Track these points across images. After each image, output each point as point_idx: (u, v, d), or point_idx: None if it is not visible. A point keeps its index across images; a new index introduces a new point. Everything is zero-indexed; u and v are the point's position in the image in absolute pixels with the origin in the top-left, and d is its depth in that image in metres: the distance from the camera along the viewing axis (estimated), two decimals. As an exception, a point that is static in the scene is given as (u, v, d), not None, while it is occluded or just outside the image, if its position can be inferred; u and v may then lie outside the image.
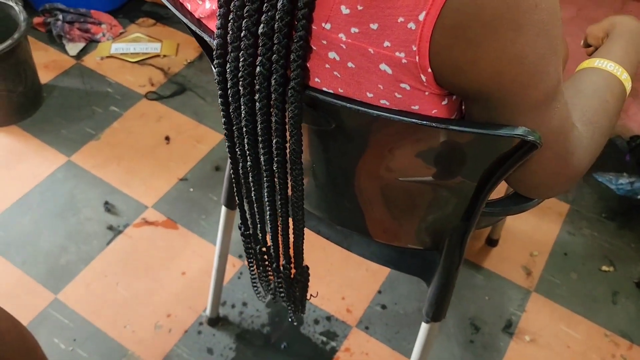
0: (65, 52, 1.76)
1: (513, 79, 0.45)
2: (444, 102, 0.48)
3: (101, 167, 1.48)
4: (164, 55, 1.76)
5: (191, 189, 1.44)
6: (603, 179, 1.47)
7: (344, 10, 0.43)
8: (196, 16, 0.56)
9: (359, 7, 0.42)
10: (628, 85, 0.69)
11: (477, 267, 1.31)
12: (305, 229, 0.66)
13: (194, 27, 0.54)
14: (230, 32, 0.48)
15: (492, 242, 1.34)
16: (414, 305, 1.24)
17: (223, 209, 1.00)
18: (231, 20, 0.48)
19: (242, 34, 0.47)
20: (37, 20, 1.82)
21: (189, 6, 0.57)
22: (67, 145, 1.53)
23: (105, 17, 1.84)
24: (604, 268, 1.31)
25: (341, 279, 1.28)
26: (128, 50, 1.76)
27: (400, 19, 0.41)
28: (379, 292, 1.26)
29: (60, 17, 1.78)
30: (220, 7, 0.48)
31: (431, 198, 0.66)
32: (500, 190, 0.77)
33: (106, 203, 1.39)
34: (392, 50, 0.43)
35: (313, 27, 0.45)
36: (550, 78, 0.47)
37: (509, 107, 0.48)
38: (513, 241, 1.35)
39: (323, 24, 0.44)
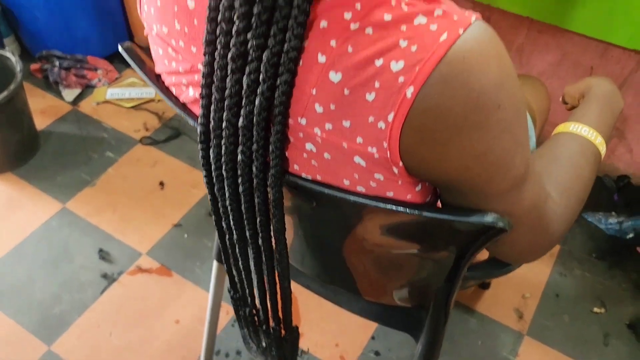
0: (62, 98, 1.80)
1: (479, 173, 0.47)
2: (417, 188, 0.50)
3: (96, 215, 1.49)
4: (159, 100, 1.79)
5: (185, 235, 1.45)
6: (593, 218, 1.48)
7: (318, 108, 0.45)
8: (181, 100, 0.58)
9: (332, 107, 0.44)
10: (602, 149, 0.71)
11: (470, 310, 1.31)
12: (296, 284, 0.67)
13: (178, 110, 0.57)
14: (212, 122, 0.51)
15: (484, 285, 1.35)
16: (407, 352, 1.24)
17: (215, 262, 1.01)
18: (212, 112, 0.50)
19: (223, 125, 0.50)
20: (34, 66, 1.86)
21: (173, 90, 0.59)
22: (63, 192, 1.55)
23: (101, 62, 1.88)
24: (595, 310, 1.31)
25: (334, 325, 1.28)
26: (123, 96, 1.79)
27: (371, 119, 0.44)
28: (373, 338, 1.26)
29: (57, 63, 1.82)
30: (202, 97, 0.51)
31: (413, 264, 0.68)
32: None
33: (100, 250, 1.41)
34: (365, 146, 0.45)
35: (290, 121, 0.47)
36: (516, 168, 0.49)
37: (479, 195, 0.49)
38: (505, 283, 1.36)
39: (299, 119, 0.47)
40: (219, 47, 0.47)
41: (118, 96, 1.79)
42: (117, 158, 1.64)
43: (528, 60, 1.51)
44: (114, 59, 1.94)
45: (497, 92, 0.43)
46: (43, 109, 1.77)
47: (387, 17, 0.42)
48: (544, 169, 0.65)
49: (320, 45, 0.43)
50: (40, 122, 1.72)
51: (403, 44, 0.42)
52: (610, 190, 1.55)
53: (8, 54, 1.54)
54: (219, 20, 0.46)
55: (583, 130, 0.71)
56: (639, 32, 1.23)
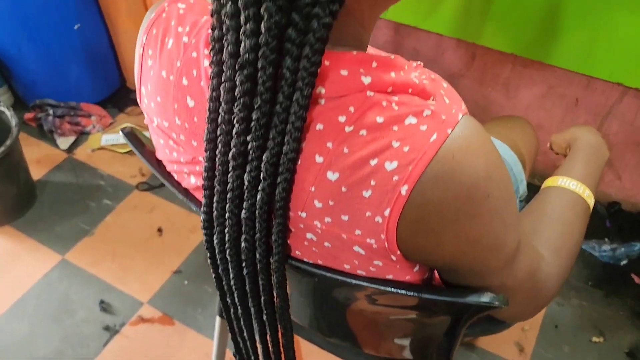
0: (57, 146, 1.81)
1: (474, 256, 0.49)
2: (415, 269, 0.52)
3: (96, 264, 1.50)
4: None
5: (185, 282, 1.46)
6: (586, 246, 1.50)
7: (317, 204, 0.47)
8: (183, 186, 0.60)
9: (330, 202, 0.46)
10: (591, 202, 0.74)
11: (470, 346, 1.32)
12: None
13: (181, 196, 0.58)
14: (216, 212, 0.52)
15: (483, 318, 1.36)
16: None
17: (217, 318, 1.02)
18: (215, 202, 0.52)
19: (226, 215, 0.51)
20: (28, 115, 1.87)
21: (175, 176, 0.61)
22: (62, 242, 1.55)
23: (95, 108, 1.90)
24: (594, 339, 1.33)
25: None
26: (118, 141, 1.81)
27: (368, 213, 0.46)
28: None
29: (51, 112, 1.84)
30: (204, 188, 0.53)
31: (412, 325, 0.69)
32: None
33: (102, 302, 1.41)
34: (363, 237, 0.47)
35: (290, 213, 0.49)
36: (508, 246, 0.51)
37: (475, 274, 0.52)
38: (504, 316, 1.37)
39: (299, 212, 0.49)
40: (219, 145, 0.49)
41: (113, 142, 1.81)
42: (114, 205, 1.65)
43: (515, 94, 1.54)
44: (107, 104, 1.96)
45: (486, 183, 0.45)
46: (38, 159, 1.78)
47: (380, 119, 0.44)
48: (536, 229, 0.67)
49: (317, 146, 0.45)
50: (36, 172, 1.73)
51: (396, 144, 0.44)
52: (602, 217, 1.57)
53: (3, 108, 1.55)
54: (219, 122, 0.48)
55: (571, 185, 0.73)
56: (620, 66, 1.27)
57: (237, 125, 0.46)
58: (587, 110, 1.46)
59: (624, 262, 1.45)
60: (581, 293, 1.42)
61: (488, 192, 0.46)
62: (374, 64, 0.47)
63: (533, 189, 0.97)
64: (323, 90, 0.45)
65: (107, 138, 1.82)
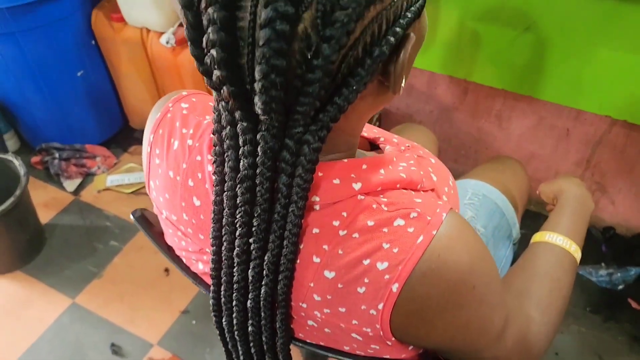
0: (64, 188, 1.86)
1: (464, 339, 0.53)
2: (410, 347, 0.56)
3: (105, 307, 1.54)
4: (158, 183, 1.86)
5: (193, 322, 1.50)
6: (584, 271, 1.54)
7: (316, 297, 0.51)
8: (192, 270, 0.64)
9: (328, 297, 0.51)
10: (578, 255, 0.78)
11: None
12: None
13: (191, 279, 0.63)
14: (223, 299, 0.57)
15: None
16: None
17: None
18: (223, 291, 0.56)
19: (233, 302, 0.56)
20: (34, 159, 1.92)
21: (184, 260, 0.65)
22: (71, 286, 1.59)
23: (99, 149, 1.95)
24: (595, 366, 1.36)
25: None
26: (122, 182, 1.86)
27: (363, 307, 0.50)
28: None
29: (57, 155, 1.89)
30: (212, 278, 0.57)
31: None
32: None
33: (112, 345, 1.45)
34: (360, 327, 0.51)
35: (292, 304, 0.53)
36: (496, 325, 0.55)
37: (467, 353, 0.56)
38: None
39: (300, 303, 0.53)
40: (225, 243, 0.53)
41: (117, 182, 1.86)
42: (121, 246, 1.69)
43: (508, 125, 1.59)
44: (111, 143, 2.01)
45: (470, 276, 0.49)
46: (46, 202, 1.83)
47: (370, 222, 0.49)
48: (525, 288, 0.71)
49: (314, 248, 0.50)
50: (45, 216, 1.77)
51: (386, 246, 0.48)
52: (598, 242, 1.61)
53: (11, 157, 1.60)
54: (223, 223, 0.52)
55: (558, 240, 0.77)
56: (607, 99, 1.31)
57: (239, 229, 0.50)
58: (578, 140, 1.51)
59: (621, 287, 1.49)
60: (580, 319, 1.46)
61: (473, 284, 0.50)
62: (364, 167, 0.52)
63: (529, 214, 1.01)
64: (317, 199, 0.50)
65: (112, 179, 1.87)
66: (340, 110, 0.44)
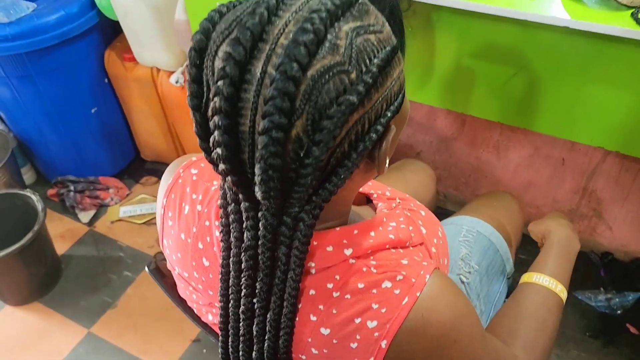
0: (78, 220, 1.93)
1: None
2: None
3: (120, 337, 1.59)
4: (168, 213, 1.92)
5: (204, 350, 1.55)
6: (583, 296, 1.58)
7: (314, 351, 0.57)
8: (202, 320, 0.70)
9: (325, 351, 0.56)
10: (564, 295, 0.83)
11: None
12: None
13: (201, 328, 0.68)
14: (231, 349, 0.62)
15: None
16: None
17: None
18: (230, 342, 0.62)
19: (239, 353, 0.61)
20: (50, 192, 2.00)
21: (195, 309, 0.71)
22: (87, 316, 1.65)
23: (112, 181, 2.02)
24: (595, 391, 1.40)
25: None
26: (135, 213, 1.93)
27: None
28: None
29: (72, 187, 1.96)
30: (220, 330, 0.63)
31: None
32: None
33: (127, 374, 1.51)
34: None
35: (293, 355, 0.59)
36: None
37: None
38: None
39: (300, 355, 0.58)
40: (231, 300, 0.59)
41: (130, 213, 1.93)
42: (134, 277, 1.75)
43: (505, 154, 1.64)
44: (124, 175, 2.08)
45: (452, 332, 0.55)
46: (62, 233, 1.90)
47: (361, 285, 0.54)
48: (512, 328, 0.76)
49: (311, 308, 0.55)
50: (60, 247, 1.84)
51: (375, 306, 0.54)
52: (596, 267, 1.65)
53: (29, 194, 1.67)
54: (229, 284, 0.58)
55: (544, 281, 0.82)
56: (599, 132, 1.36)
57: (244, 290, 0.56)
58: (573, 169, 1.55)
59: (619, 312, 1.52)
60: (580, 344, 1.49)
61: (454, 339, 0.55)
62: (355, 232, 0.58)
63: (529, 240, 1.06)
64: (313, 264, 0.56)
65: (124, 210, 1.94)
66: (331, 193, 0.50)
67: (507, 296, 1.06)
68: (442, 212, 1.83)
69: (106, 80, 1.85)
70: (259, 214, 0.52)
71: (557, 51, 1.26)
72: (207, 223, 0.62)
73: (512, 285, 1.09)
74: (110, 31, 1.78)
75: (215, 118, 0.46)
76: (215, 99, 0.46)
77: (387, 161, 0.53)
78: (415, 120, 1.71)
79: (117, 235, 1.89)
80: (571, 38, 1.05)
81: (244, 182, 0.49)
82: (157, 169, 2.10)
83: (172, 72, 1.70)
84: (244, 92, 0.45)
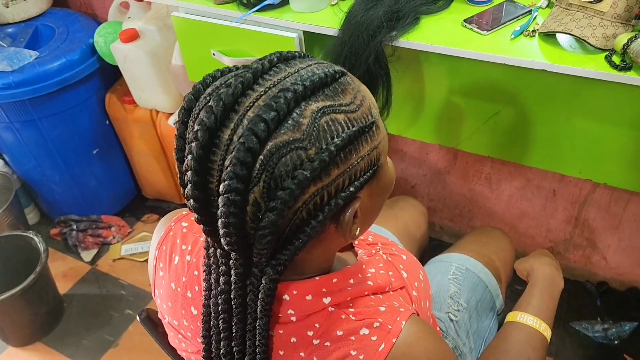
0: (81, 259, 1.96)
1: None
2: None
3: (121, 376, 1.61)
4: (169, 250, 1.95)
5: (204, 388, 1.56)
6: (580, 327, 1.59)
7: None
8: None
9: None
10: (547, 334, 0.84)
11: None
12: None
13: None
14: None
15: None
16: None
17: None
18: None
19: None
20: (53, 231, 2.04)
21: (184, 357, 0.74)
22: (89, 355, 1.67)
23: (114, 219, 2.06)
24: (594, 423, 1.40)
25: None
26: (136, 250, 1.96)
27: None
28: None
29: (75, 226, 2.00)
30: None
31: None
32: None
33: (128, 414, 1.52)
34: None
35: None
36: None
37: None
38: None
39: None
40: (213, 342, 0.62)
41: (132, 251, 1.96)
42: (135, 315, 1.77)
43: (497, 186, 1.67)
44: (125, 213, 2.12)
45: None
46: (64, 272, 1.93)
47: (339, 332, 0.57)
48: None
49: (292, 355, 0.58)
50: (63, 286, 1.87)
51: (353, 352, 0.56)
52: (593, 296, 1.66)
53: (32, 235, 1.71)
54: (211, 325, 0.62)
55: (529, 320, 0.84)
56: (586, 165, 1.39)
57: (222, 333, 0.60)
58: (565, 200, 1.58)
59: (617, 342, 1.53)
60: (578, 375, 1.50)
61: None
62: (334, 280, 0.61)
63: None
64: (293, 312, 0.58)
65: (126, 248, 1.97)
66: (293, 255, 0.53)
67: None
68: (438, 243, 1.85)
69: (107, 122, 1.90)
70: (230, 262, 0.56)
71: (539, 89, 1.30)
72: (195, 273, 0.65)
73: (503, 320, 1.11)
74: (110, 75, 1.84)
75: (188, 174, 0.51)
76: (188, 157, 0.51)
77: (357, 230, 0.56)
78: (408, 154, 1.74)
79: (119, 273, 1.92)
80: (552, 77, 1.09)
81: (214, 232, 0.53)
82: (158, 206, 2.13)
83: (171, 114, 1.75)
84: (213, 155, 0.50)
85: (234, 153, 0.48)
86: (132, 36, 1.58)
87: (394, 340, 0.56)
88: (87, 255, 1.96)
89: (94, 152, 1.90)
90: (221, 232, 0.51)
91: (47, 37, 1.82)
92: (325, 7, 1.20)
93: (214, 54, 1.31)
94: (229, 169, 0.48)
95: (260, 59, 0.53)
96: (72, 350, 1.69)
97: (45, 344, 1.72)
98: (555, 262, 0.97)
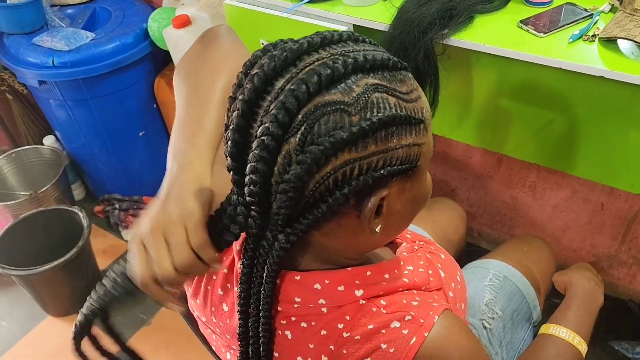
0: (121, 237, 2.01)
1: None
2: None
3: (152, 353, 1.65)
4: (206, 235, 1.98)
5: (231, 374, 1.58)
6: (619, 347, 1.52)
7: None
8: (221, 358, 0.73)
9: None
10: (582, 348, 0.81)
11: None
12: None
13: None
14: None
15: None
16: None
17: None
18: None
19: None
20: (97, 208, 2.10)
21: (214, 348, 0.74)
22: (122, 331, 1.71)
23: (155, 201, 2.10)
24: None
25: None
26: (174, 233, 1.99)
27: None
28: None
29: (117, 205, 2.05)
30: None
31: None
32: None
33: (156, 391, 1.55)
34: None
35: None
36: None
37: None
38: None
39: None
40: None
41: (170, 233, 1.99)
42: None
43: (542, 195, 1.62)
44: (166, 196, 2.16)
45: None
46: (105, 249, 1.99)
47: (370, 326, 0.56)
48: None
49: (322, 348, 0.58)
50: (103, 262, 1.92)
51: (383, 346, 0.55)
52: (635, 316, 1.59)
53: (77, 210, 1.76)
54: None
55: (562, 333, 0.82)
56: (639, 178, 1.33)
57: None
58: (613, 215, 1.52)
59: (658, 366, 1.46)
60: (614, 397, 1.44)
61: None
62: (368, 273, 0.60)
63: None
64: (324, 301, 0.58)
65: (164, 230, 2.00)
66: (309, 226, 0.52)
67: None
68: (475, 249, 1.81)
69: (155, 105, 1.94)
70: (249, 220, 0.55)
71: (595, 97, 1.25)
72: (225, 271, 0.66)
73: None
74: (160, 60, 1.88)
75: (233, 116, 0.52)
76: (239, 98, 0.51)
77: (378, 227, 0.55)
78: (451, 156, 1.71)
79: (156, 254, 1.95)
80: (609, 85, 1.05)
81: (242, 182, 0.53)
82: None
83: (217, 101, 1.77)
84: (262, 100, 0.50)
85: (280, 97, 0.48)
86: (184, 22, 1.60)
87: (426, 334, 0.55)
88: (128, 234, 2.01)
89: (140, 134, 1.94)
90: (247, 178, 0.51)
91: (103, 19, 1.87)
92: (377, 1, 1.19)
93: (262, 44, 1.32)
94: (272, 112, 0.48)
95: (332, 31, 0.53)
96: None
97: (82, 316, 1.77)
98: (596, 277, 0.93)
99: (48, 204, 1.86)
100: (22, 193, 1.89)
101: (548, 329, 0.82)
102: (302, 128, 0.48)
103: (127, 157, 1.99)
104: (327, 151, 0.48)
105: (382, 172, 0.51)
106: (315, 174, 0.49)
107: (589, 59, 1.02)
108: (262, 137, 0.49)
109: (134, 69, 1.79)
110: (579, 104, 1.28)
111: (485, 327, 0.96)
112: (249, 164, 0.51)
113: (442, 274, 0.72)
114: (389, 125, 0.50)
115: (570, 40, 1.04)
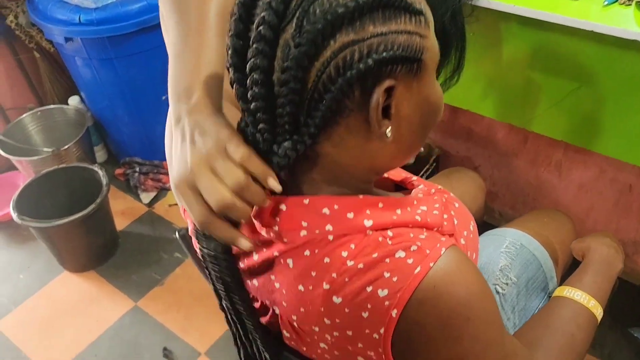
0: (140, 200, 2.03)
1: None
2: None
3: (163, 313, 1.66)
4: (223, 202, 1.98)
5: (240, 337, 1.58)
6: (638, 334, 1.48)
7: (327, 321, 0.57)
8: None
9: (337, 320, 0.56)
10: (597, 312, 0.78)
11: None
12: None
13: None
14: None
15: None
16: None
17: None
18: None
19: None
20: (118, 171, 2.12)
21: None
22: (136, 290, 1.73)
23: (175, 166, 2.11)
24: None
25: None
26: (192, 198, 2.00)
27: (367, 331, 0.55)
28: None
29: (137, 169, 2.07)
30: None
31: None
32: None
33: (165, 349, 1.56)
34: (365, 350, 0.56)
35: (306, 328, 0.59)
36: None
37: None
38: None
39: (313, 327, 0.59)
40: None
41: (188, 199, 2.00)
42: (183, 259, 1.82)
43: (567, 175, 1.57)
44: (186, 162, 2.17)
45: (465, 309, 0.53)
46: (123, 210, 2.00)
47: (374, 255, 0.54)
48: (535, 339, 0.73)
49: (324, 276, 0.56)
50: (120, 223, 1.94)
51: (386, 275, 0.53)
52: (659, 305, 1.54)
53: (96, 169, 1.78)
54: None
55: (576, 295, 0.78)
56: (672, 159, 1.28)
57: None
58: (641, 197, 1.46)
59: (679, 355, 1.41)
60: (630, 384, 1.40)
61: (468, 317, 0.54)
62: (380, 205, 0.58)
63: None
64: (331, 228, 0.56)
65: (183, 195, 2.01)
66: (317, 126, 0.51)
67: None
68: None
69: (179, 69, 1.94)
70: (256, 135, 0.54)
71: (628, 68, 1.19)
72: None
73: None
74: (187, 23, 1.87)
75: (232, 21, 0.52)
76: (236, 4, 0.51)
77: (388, 130, 0.53)
78: (475, 132, 1.67)
79: (173, 218, 1.97)
80: (642, 53, 1.00)
81: (245, 95, 0.52)
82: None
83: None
84: (259, 1, 0.50)
85: None
86: (211, -17, 1.59)
87: (431, 264, 0.53)
88: (146, 197, 2.02)
89: (163, 97, 1.95)
90: (249, 80, 0.50)
91: (131, -21, 1.88)
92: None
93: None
94: (266, 3, 0.49)
95: None
96: (121, 282, 1.76)
97: (97, 273, 1.80)
98: (617, 244, 0.90)
99: (70, 162, 1.88)
100: (45, 149, 1.92)
101: (562, 291, 0.79)
102: (297, 13, 0.48)
103: (149, 121, 2.00)
104: (324, 30, 0.47)
105: (384, 54, 0.49)
106: (315, 60, 0.48)
107: (624, 22, 0.97)
108: (259, 29, 0.48)
109: (159, 30, 1.78)
110: (611, 76, 1.23)
111: (498, 292, 0.93)
112: (249, 61, 0.50)
113: (455, 222, 0.69)
114: (388, 5, 0.49)
115: (606, 3, 1.00)
